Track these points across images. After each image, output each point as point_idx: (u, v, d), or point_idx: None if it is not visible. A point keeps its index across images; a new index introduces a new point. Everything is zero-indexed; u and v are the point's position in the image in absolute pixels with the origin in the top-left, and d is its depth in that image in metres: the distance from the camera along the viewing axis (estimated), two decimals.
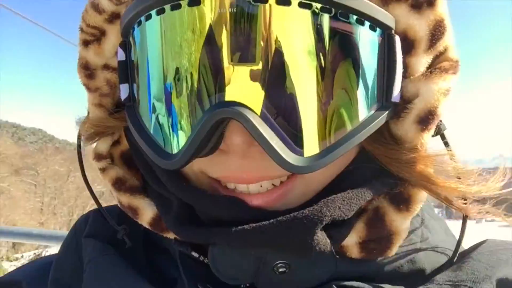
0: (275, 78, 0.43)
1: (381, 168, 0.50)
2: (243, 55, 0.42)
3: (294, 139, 0.44)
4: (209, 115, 0.43)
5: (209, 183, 0.51)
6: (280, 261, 0.48)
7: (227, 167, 0.48)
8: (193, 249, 0.52)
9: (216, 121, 0.43)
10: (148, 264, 0.59)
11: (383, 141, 0.50)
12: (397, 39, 0.47)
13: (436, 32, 0.48)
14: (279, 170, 0.44)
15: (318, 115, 0.44)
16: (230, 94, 0.43)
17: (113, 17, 0.53)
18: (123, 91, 0.52)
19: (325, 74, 0.44)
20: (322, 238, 0.46)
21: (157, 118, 0.48)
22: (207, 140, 0.44)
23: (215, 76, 0.43)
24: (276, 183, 0.49)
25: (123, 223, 0.59)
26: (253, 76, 0.42)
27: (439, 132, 0.52)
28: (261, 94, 0.43)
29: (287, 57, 0.43)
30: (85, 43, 0.55)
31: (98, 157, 0.59)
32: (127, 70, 0.52)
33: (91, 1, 0.53)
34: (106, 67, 0.56)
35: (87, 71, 0.56)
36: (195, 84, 0.44)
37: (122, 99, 0.52)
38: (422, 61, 0.48)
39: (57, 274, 0.59)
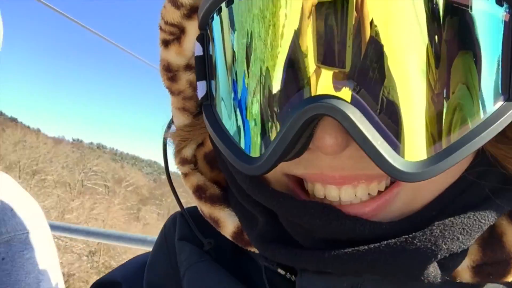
0: (377, 68, 0.36)
1: (507, 177, 0.42)
2: (338, 44, 0.36)
3: (402, 140, 0.37)
4: (299, 111, 0.37)
5: (292, 191, 0.46)
6: None
7: (315, 165, 0.42)
8: (280, 264, 0.47)
9: (307, 119, 0.37)
10: (236, 269, 0.55)
11: (507, 141, 0.41)
12: None
13: None
14: (377, 169, 0.37)
15: (431, 111, 0.37)
16: (323, 87, 0.36)
17: (192, 11, 0.49)
18: (200, 89, 0.48)
19: (438, 62, 0.36)
20: (432, 271, 0.40)
21: (238, 117, 0.43)
22: (295, 141, 0.38)
23: (306, 68, 0.37)
24: (372, 192, 0.42)
25: (211, 227, 0.56)
26: (350, 67, 0.36)
27: None
28: (361, 86, 0.36)
29: (390, 43, 0.35)
30: (165, 43, 0.52)
31: (183, 161, 0.56)
32: (205, 66, 0.47)
33: None
34: (188, 67, 0.53)
35: (169, 73, 0.53)
36: (283, 78, 0.39)
37: (199, 98, 0.49)
38: None
39: (151, 276, 0.59)
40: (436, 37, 0.36)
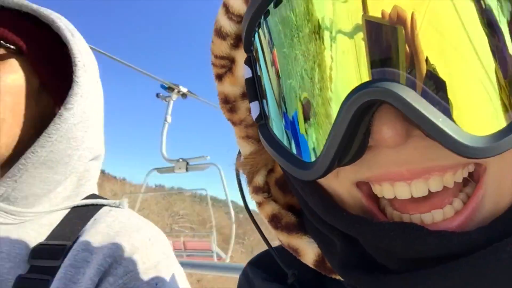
0: (430, 43, 0.33)
1: None
2: (388, 30, 0.34)
3: (465, 115, 0.33)
4: (348, 102, 0.35)
5: (368, 210, 0.42)
6: None
7: (378, 163, 0.38)
8: None
9: (358, 108, 0.34)
10: None
11: None
12: None
13: None
14: (451, 158, 0.35)
15: (492, 83, 0.33)
16: (373, 73, 0.34)
17: (238, 40, 0.51)
18: (254, 110, 0.48)
19: (495, 31, 0.34)
20: None
21: (290, 126, 0.42)
22: (349, 137, 0.36)
23: (355, 58, 0.35)
24: (448, 184, 0.38)
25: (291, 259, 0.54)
26: (401, 50, 0.33)
27: None
28: (412, 67, 0.33)
29: (444, 17, 0.33)
30: (219, 77, 0.54)
31: (256, 190, 0.56)
32: (255, 87, 0.48)
33: (214, 28, 0.51)
34: (244, 95, 0.53)
35: (228, 105, 0.54)
36: (329, 74, 0.37)
37: (254, 119, 0.48)
38: None
39: None
40: (492, 4, 0.34)
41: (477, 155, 0.33)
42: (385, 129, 0.35)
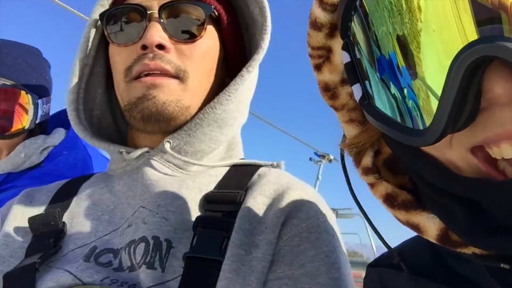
0: None
1: None
2: None
3: None
4: (457, 61, 0.35)
5: (486, 174, 0.42)
6: None
7: (494, 123, 0.37)
8: (502, 259, 0.43)
9: (467, 67, 0.34)
10: (450, 274, 0.52)
11: None
12: None
13: None
14: None
15: None
16: (481, 32, 0.34)
17: (333, 29, 0.52)
18: (356, 92, 0.49)
19: None
20: None
21: (398, 98, 0.43)
22: (461, 99, 0.36)
23: (461, 21, 0.35)
24: None
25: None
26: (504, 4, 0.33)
27: None
28: None
29: None
30: (317, 67, 0.55)
31: (366, 171, 0.56)
32: (355, 70, 0.49)
33: (309, 21, 0.53)
34: (344, 81, 0.54)
35: (328, 92, 0.55)
36: (435, 36, 0.37)
37: (357, 101, 0.49)
38: None
39: None
40: None
41: None
42: (497, 86, 0.35)
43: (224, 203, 0.74)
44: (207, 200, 0.75)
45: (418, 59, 0.39)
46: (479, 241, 0.42)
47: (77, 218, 0.79)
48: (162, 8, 0.78)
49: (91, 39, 0.85)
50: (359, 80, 0.49)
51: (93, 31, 0.85)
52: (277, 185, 0.78)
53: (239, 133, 0.95)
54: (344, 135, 0.59)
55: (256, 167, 0.86)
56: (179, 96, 0.79)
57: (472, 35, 0.34)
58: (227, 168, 0.87)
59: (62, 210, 0.80)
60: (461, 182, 0.42)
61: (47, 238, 0.75)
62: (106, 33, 0.83)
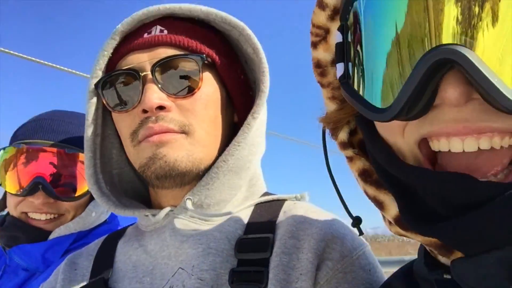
0: (491, 18, 0.40)
1: None
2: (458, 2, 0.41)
3: None
4: (423, 59, 0.41)
5: (424, 161, 0.49)
6: None
7: (440, 119, 0.44)
8: (448, 271, 0.48)
9: (430, 66, 0.40)
10: None
11: None
12: None
13: None
14: (501, 122, 0.41)
15: None
16: (443, 38, 0.41)
17: (335, 13, 0.57)
18: (339, 70, 0.54)
19: None
20: None
21: (370, 80, 0.49)
22: (419, 91, 0.42)
23: (428, 24, 0.42)
24: (495, 145, 0.44)
25: None
26: (473, 18, 0.40)
27: None
28: (478, 35, 0.40)
29: None
30: (314, 45, 0.60)
31: (343, 145, 0.62)
32: (343, 50, 0.54)
33: (317, 0, 0.58)
34: (334, 62, 0.59)
35: (319, 69, 0.61)
36: (410, 36, 0.44)
37: (337, 77, 0.54)
38: None
39: None
40: None
41: None
42: (451, 89, 0.41)
43: (255, 251, 0.74)
44: (238, 250, 0.75)
45: (395, 51, 0.45)
46: (416, 225, 0.48)
47: (121, 283, 0.81)
48: (154, 67, 0.77)
49: (93, 109, 0.86)
50: (343, 60, 0.54)
51: (93, 100, 0.86)
52: (305, 224, 0.76)
53: (259, 165, 0.93)
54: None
55: (280, 202, 0.85)
56: (189, 150, 0.78)
57: (441, 40, 0.41)
58: (252, 208, 0.85)
59: (105, 277, 0.83)
60: (404, 168, 0.49)
61: None
62: (104, 101, 0.84)
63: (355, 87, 0.52)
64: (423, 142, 0.48)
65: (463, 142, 0.44)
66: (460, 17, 0.40)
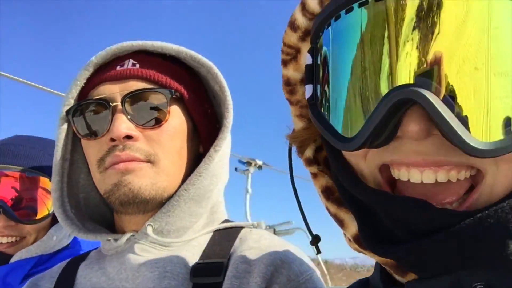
0: (458, 61, 0.42)
1: None
2: (425, 41, 0.43)
3: (478, 123, 0.42)
4: (387, 97, 0.43)
5: (383, 184, 0.51)
6: (478, 283, 0.44)
7: (401, 151, 0.46)
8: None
9: (394, 104, 0.43)
10: None
11: None
12: None
13: None
14: (458, 157, 0.44)
15: (501, 100, 0.42)
16: (408, 79, 0.43)
17: (306, 34, 0.58)
18: (308, 91, 0.56)
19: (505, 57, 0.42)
20: None
21: (338, 108, 0.50)
22: (383, 125, 0.44)
23: (396, 61, 0.44)
24: (452, 178, 0.46)
25: None
26: (435, 61, 0.42)
27: None
28: (443, 77, 0.42)
29: (472, 39, 0.42)
30: (285, 63, 0.62)
31: (308, 162, 0.63)
32: (313, 72, 0.56)
33: (289, 20, 0.59)
34: (303, 81, 0.60)
35: (288, 87, 0.62)
36: (376, 72, 0.46)
37: (306, 98, 0.56)
38: None
39: None
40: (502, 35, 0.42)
41: (477, 154, 0.41)
42: (413, 125, 0.43)
43: (209, 275, 0.78)
44: (193, 274, 0.79)
45: (363, 83, 0.47)
46: (373, 246, 0.50)
47: None
48: (124, 98, 0.82)
49: (63, 135, 0.89)
50: (313, 82, 0.56)
51: (64, 127, 0.89)
52: (257, 250, 0.80)
53: (221, 194, 0.98)
54: (293, 130, 0.66)
55: (238, 229, 0.90)
56: (153, 179, 0.82)
57: (405, 80, 0.43)
58: (210, 235, 0.90)
59: None
60: (365, 190, 0.50)
61: None
62: (74, 128, 0.87)
63: (323, 109, 0.54)
64: (384, 166, 0.50)
65: (422, 174, 0.46)
66: (423, 59, 0.43)
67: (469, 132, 0.41)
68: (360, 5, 0.47)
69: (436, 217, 0.44)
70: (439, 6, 0.42)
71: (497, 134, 0.41)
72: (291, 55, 0.61)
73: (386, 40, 0.45)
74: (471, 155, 0.41)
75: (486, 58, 0.42)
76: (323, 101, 0.54)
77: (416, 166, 0.46)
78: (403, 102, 0.42)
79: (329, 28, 0.52)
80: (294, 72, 0.61)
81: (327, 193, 0.61)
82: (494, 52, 0.41)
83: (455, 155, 0.43)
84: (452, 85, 0.42)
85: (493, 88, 0.41)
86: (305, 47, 0.59)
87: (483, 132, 0.42)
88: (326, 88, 0.53)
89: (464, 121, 0.42)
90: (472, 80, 0.42)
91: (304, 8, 0.57)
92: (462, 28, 0.42)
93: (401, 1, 0.44)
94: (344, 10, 0.49)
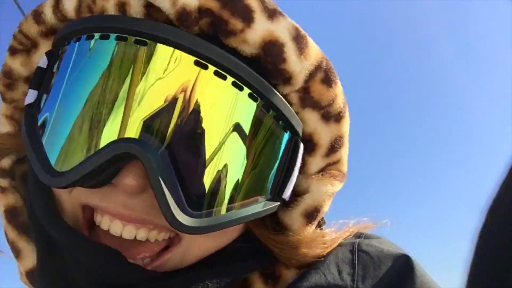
0: (184, 134, 0.43)
1: (261, 249, 0.52)
2: (157, 103, 0.42)
3: (189, 197, 0.44)
4: (110, 147, 0.42)
5: (82, 224, 0.48)
6: None
7: (110, 199, 0.45)
8: None
9: (117, 155, 0.41)
10: None
11: (268, 226, 0.52)
12: (301, 146, 0.50)
13: (336, 144, 0.52)
14: (163, 221, 0.43)
15: (214, 185, 0.44)
16: (135, 132, 0.42)
17: (50, 32, 0.52)
18: (30, 96, 0.49)
19: (230, 147, 0.45)
20: None
21: (56, 131, 0.45)
22: (102, 169, 0.42)
23: (129, 111, 0.42)
24: (151, 238, 0.47)
25: None
26: (166, 124, 0.42)
27: (320, 226, 0.55)
28: (167, 145, 0.42)
29: (200, 120, 0.43)
30: (13, 51, 0.53)
31: (2, 173, 0.55)
32: (43, 79, 0.49)
33: (35, 9, 0.52)
34: (29, 80, 0.53)
35: (8, 79, 0.53)
36: (106, 116, 0.43)
37: (25, 103, 0.49)
38: (318, 163, 0.52)
39: None
40: (233, 129, 0.45)
41: (180, 229, 0.42)
42: (129, 178, 0.42)
43: None
44: None
45: (92, 121, 0.43)
46: (40, 285, 0.49)
47: None
48: None
49: None
50: (39, 89, 0.49)
51: None
52: None
53: None
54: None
55: None
56: None
57: (135, 133, 0.42)
58: None
59: None
60: (60, 227, 0.46)
61: None
62: None
63: (40, 124, 0.47)
64: (89, 207, 0.47)
65: (123, 228, 0.45)
66: (155, 116, 0.42)
67: (178, 205, 0.42)
68: (117, 38, 0.44)
69: (124, 272, 0.44)
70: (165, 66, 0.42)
71: (203, 213, 0.44)
72: (24, 46, 0.53)
73: (123, 85, 0.43)
74: (175, 229, 0.43)
75: (205, 125, 0.43)
76: (44, 117, 0.47)
77: (121, 219, 0.45)
78: (127, 156, 0.41)
79: (78, 43, 0.47)
80: (21, 67, 0.53)
81: (11, 215, 0.54)
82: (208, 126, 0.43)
83: (161, 217, 0.42)
84: (177, 151, 0.42)
85: (210, 168, 0.43)
86: (45, 45, 0.52)
87: (192, 208, 0.43)
88: (52, 103, 0.47)
89: (177, 192, 0.42)
90: (194, 151, 0.43)
91: (57, 6, 0.50)
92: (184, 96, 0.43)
93: (137, 51, 0.43)
94: (99, 34, 0.45)
